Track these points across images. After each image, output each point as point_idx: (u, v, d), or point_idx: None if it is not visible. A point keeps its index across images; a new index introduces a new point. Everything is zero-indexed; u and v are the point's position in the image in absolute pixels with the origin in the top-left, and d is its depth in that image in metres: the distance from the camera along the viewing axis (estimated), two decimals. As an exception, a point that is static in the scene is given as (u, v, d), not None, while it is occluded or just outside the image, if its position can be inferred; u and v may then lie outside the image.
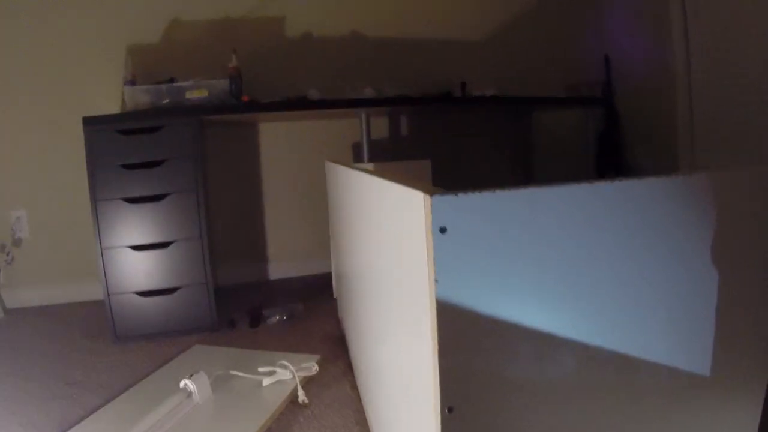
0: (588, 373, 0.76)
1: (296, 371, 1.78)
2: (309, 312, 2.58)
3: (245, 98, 2.66)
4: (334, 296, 2.60)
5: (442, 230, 0.66)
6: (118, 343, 2.30)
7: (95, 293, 2.89)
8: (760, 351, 0.90)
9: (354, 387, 1.77)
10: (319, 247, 3.26)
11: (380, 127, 3.41)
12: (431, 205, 0.66)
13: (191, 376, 1.68)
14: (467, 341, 0.69)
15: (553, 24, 3.69)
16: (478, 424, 0.71)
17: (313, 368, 1.84)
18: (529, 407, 0.74)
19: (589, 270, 0.75)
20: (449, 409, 0.68)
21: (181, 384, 1.67)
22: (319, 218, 3.18)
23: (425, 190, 0.68)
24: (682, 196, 0.80)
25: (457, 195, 0.66)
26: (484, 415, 0.71)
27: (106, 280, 2.29)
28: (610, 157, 3.52)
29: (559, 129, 3.75)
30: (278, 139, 3.28)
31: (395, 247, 0.90)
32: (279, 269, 3.33)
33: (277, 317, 2.46)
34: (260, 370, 1.83)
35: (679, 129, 3.10)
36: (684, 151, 3.09)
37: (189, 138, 2.35)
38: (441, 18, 3.47)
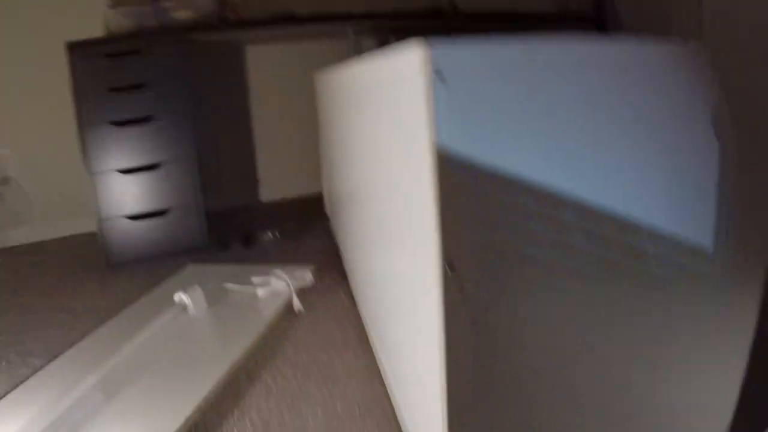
0: (589, 231, 0.74)
1: (291, 281, 1.78)
2: (302, 230, 2.59)
3: (232, 16, 2.58)
4: (326, 213, 2.60)
5: (439, 76, 0.63)
6: (112, 269, 2.28)
7: (86, 226, 2.86)
8: (760, 226, 0.89)
9: (348, 294, 1.78)
10: (310, 168, 3.22)
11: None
12: (430, 54, 0.63)
13: (186, 290, 1.67)
14: (467, 195, 0.67)
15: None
16: (478, 283, 0.70)
17: (308, 277, 1.84)
18: (531, 265, 0.72)
19: (593, 127, 0.73)
20: (450, 265, 0.67)
21: (176, 297, 1.67)
22: (309, 140, 3.13)
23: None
24: (685, 62, 0.77)
25: (453, 43, 0.64)
26: (484, 273, 0.70)
27: (97, 205, 2.26)
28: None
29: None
30: (266, 63, 3.19)
31: (392, 112, 0.87)
32: (271, 192, 3.31)
33: (270, 235, 2.46)
34: (254, 279, 1.82)
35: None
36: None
37: (176, 59, 2.29)
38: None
